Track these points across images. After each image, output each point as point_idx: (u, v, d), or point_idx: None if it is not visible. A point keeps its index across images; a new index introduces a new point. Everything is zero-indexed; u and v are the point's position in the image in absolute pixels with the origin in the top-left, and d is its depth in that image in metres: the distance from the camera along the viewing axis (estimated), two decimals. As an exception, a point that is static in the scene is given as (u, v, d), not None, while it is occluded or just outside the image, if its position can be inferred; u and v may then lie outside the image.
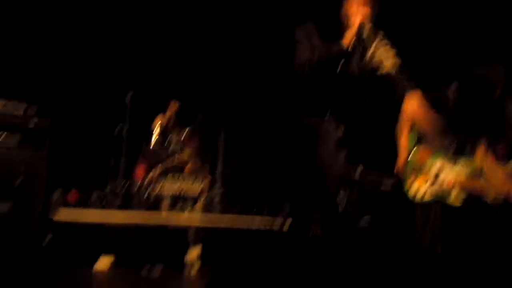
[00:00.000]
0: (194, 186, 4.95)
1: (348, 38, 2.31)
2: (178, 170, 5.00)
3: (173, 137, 5.32)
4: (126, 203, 4.90)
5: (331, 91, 2.44)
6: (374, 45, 2.28)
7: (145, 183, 4.96)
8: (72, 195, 4.65)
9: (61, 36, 5.69)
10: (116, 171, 5.29)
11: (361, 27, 2.30)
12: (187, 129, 5.39)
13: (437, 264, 2.88)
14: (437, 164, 3.01)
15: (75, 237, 3.96)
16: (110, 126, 5.48)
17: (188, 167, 4.99)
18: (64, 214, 4.16)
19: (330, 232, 2.40)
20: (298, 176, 2.65)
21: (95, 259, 3.60)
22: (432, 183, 2.98)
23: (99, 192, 4.91)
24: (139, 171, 5.41)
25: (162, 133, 5.43)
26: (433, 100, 2.53)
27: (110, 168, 5.34)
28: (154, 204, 4.76)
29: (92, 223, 4.16)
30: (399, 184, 3.07)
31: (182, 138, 5.29)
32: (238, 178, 5.75)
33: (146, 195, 4.84)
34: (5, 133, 3.89)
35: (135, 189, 5.04)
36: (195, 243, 3.81)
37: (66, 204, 4.44)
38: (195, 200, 4.84)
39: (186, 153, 5.22)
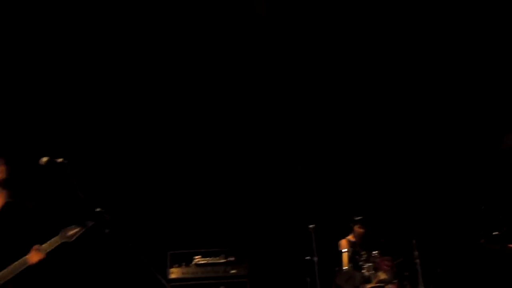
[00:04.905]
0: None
1: None
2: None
3: (363, 259, 5.12)
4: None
5: None
6: None
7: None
8: None
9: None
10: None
11: None
12: (376, 251, 5.16)
13: None
14: None
15: None
16: (298, 258, 5.52)
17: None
18: None
19: None
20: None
21: None
22: None
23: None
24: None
25: (352, 256, 5.27)
26: None
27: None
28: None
29: None
30: None
31: (374, 260, 5.06)
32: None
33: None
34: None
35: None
36: None
37: None
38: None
39: (382, 276, 4.95)
